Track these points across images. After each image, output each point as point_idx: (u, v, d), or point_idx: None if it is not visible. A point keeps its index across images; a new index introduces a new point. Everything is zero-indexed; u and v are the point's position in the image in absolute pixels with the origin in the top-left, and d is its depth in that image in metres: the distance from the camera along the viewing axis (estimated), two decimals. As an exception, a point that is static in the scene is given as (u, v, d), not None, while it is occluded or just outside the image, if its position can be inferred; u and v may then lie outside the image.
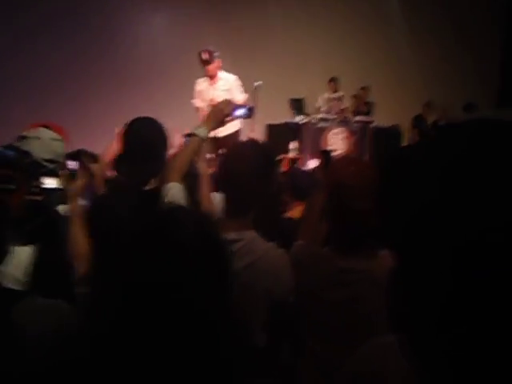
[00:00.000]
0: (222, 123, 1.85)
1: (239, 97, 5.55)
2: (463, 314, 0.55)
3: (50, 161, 2.04)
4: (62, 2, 8.72)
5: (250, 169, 1.57)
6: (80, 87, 8.82)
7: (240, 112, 1.89)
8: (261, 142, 1.87)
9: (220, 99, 5.53)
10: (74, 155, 2.09)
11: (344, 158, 2.24)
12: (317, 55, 9.23)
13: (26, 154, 1.96)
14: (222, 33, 9.06)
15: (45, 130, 2.15)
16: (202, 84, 5.77)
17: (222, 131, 5.20)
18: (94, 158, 2.14)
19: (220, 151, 5.46)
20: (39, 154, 2.01)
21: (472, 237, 0.54)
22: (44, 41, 8.74)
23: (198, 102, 5.76)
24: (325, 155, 2.00)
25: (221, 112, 1.83)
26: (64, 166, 2.02)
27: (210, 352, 0.96)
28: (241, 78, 6.14)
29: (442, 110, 8.83)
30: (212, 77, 5.65)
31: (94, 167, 2.12)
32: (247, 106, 1.93)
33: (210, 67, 5.54)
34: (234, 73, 5.87)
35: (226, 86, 5.67)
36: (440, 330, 0.57)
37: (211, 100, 5.50)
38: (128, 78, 9.00)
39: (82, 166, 2.05)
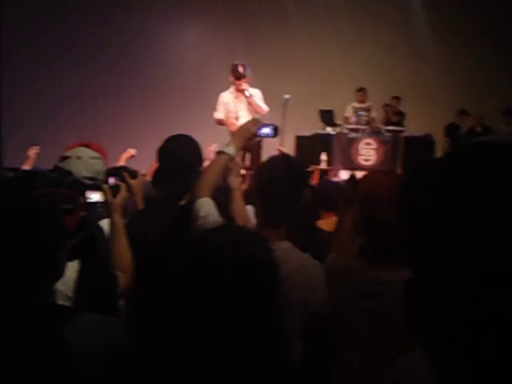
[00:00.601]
0: (249, 141, 1.90)
1: (261, 104, 5.71)
2: (483, 333, 0.55)
3: (90, 178, 2.11)
4: (92, 22, 9.01)
5: (281, 182, 1.63)
6: (115, 106, 9.08)
7: (266, 131, 1.95)
8: (291, 155, 1.91)
9: (245, 112, 5.64)
10: (115, 171, 2.17)
11: (375, 171, 2.25)
12: (345, 66, 9.23)
13: (68, 173, 2.05)
14: (249, 47, 9.18)
15: (84, 149, 2.24)
16: (227, 97, 5.87)
17: None
18: (134, 174, 2.21)
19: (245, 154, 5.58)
20: (80, 173, 2.08)
21: (497, 261, 0.53)
22: (78, 61, 9.04)
23: (219, 115, 5.85)
24: (351, 179, 2.04)
25: (248, 131, 1.89)
26: (106, 182, 2.10)
27: (261, 365, 0.99)
28: (269, 91, 6.20)
29: (478, 117, 8.67)
30: (241, 91, 5.73)
31: (133, 183, 2.18)
32: (272, 126, 1.97)
33: (243, 81, 5.62)
34: (263, 86, 5.94)
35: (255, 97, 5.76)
36: (459, 347, 0.57)
37: (236, 113, 5.59)
38: (160, 94, 9.21)
39: (123, 181, 2.13)
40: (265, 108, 5.77)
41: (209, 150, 4.02)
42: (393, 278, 1.49)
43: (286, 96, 6.40)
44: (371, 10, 9.35)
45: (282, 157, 1.82)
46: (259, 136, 1.95)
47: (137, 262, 1.98)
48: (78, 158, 2.11)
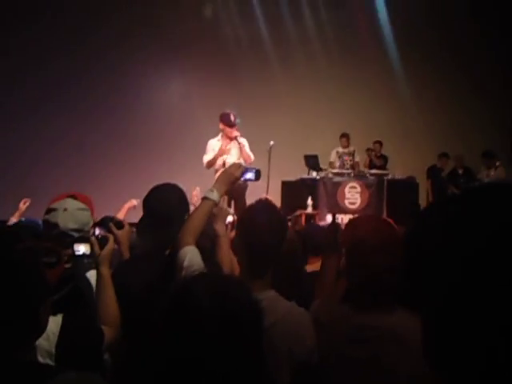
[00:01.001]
0: (232, 185, 1.92)
1: (251, 156, 5.88)
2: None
3: (76, 230, 2.11)
4: (79, 71, 9.18)
5: (264, 231, 1.64)
6: (102, 155, 9.13)
7: (249, 175, 1.97)
8: (271, 202, 1.92)
9: (233, 159, 5.72)
10: (101, 223, 2.18)
11: (361, 216, 2.28)
12: (327, 113, 9.47)
13: (55, 225, 2.05)
14: (234, 96, 9.40)
15: (71, 200, 2.24)
16: (216, 144, 5.99)
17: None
18: (119, 224, 2.22)
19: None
20: (66, 225, 2.08)
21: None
22: (63, 109, 9.14)
23: (208, 157, 5.96)
24: (332, 225, 2.07)
25: (231, 175, 1.91)
26: (92, 234, 2.10)
27: None
28: (255, 138, 6.31)
29: (458, 158, 8.87)
30: (230, 139, 5.87)
31: (119, 234, 2.18)
32: (254, 170, 2.00)
33: (234, 130, 5.80)
34: (248, 133, 6.05)
35: (237, 147, 5.92)
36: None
37: (224, 160, 5.73)
38: (148, 143, 9.31)
39: (109, 232, 2.13)
40: (252, 157, 5.93)
41: (192, 195, 4.04)
42: (378, 324, 1.50)
43: (271, 142, 6.53)
44: (350, 60, 9.70)
45: (263, 202, 1.83)
46: (245, 180, 1.98)
47: (122, 314, 1.96)
48: (65, 210, 2.12)
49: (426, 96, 9.70)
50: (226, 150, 5.87)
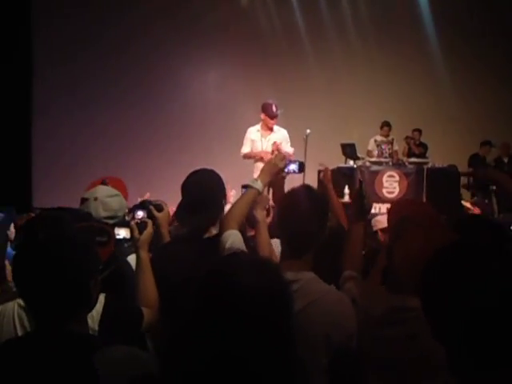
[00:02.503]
0: (275, 176, 1.94)
1: (288, 149, 5.79)
2: None
3: (109, 217, 2.16)
4: (122, 59, 9.35)
5: (304, 212, 1.66)
6: (142, 144, 9.32)
7: (292, 167, 2.00)
8: (312, 186, 1.93)
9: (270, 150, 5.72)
10: (141, 206, 2.23)
11: (403, 199, 2.27)
12: (364, 100, 9.33)
13: (89, 215, 2.11)
14: (271, 86, 9.38)
15: (101, 187, 2.30)
16: (254, 134, 5.94)
17: None
18: (159, 207, 2.26)
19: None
20: (98, 214, 2.14)
21: None
22: (108, 102, 9.37)
23: (246, 149, 5.95)
24: (360, 185, 2.06)
25: (275, 167, 1.95)
26: (133, 217, 2.16)
27: None
28: (291, 126, 6.29)
29: (504, 146, 8.60)
30: (270, 129, 5.84)
31: (159, 216, 2.23)
32: (298, 162, 2.01)
33: (275, 121, 5.76)
34: (285, 122, 6.02)
35: (277, 139, 5.84)
36: None
37: (262, 151, 5.69)
38: (185, 133, 9.43)
39: (149, 215, 2.18)
40: (290, 152, 5.82)
41: (229, 195, 4.06)
42: (416, 305, 1.48)
43: (308, 131, 6.49)
44: (388, 46, 9.50)
45: (304, 187, 1.84)
46: (288, 172, 1.98)
47: (163, 297, 2.01)
48: (95, 199, 2.18)
49: (467, 82, 9.42)
50: (266, 156, 5.71)
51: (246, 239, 1.91)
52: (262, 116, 5.83)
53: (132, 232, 1.99)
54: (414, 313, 1.48)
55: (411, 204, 1.64)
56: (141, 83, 9.35)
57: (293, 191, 1.80)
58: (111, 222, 2.14)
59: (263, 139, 5.89)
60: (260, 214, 2.16)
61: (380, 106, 9.04)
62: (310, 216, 1.65)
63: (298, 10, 9.81)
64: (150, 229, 2.02)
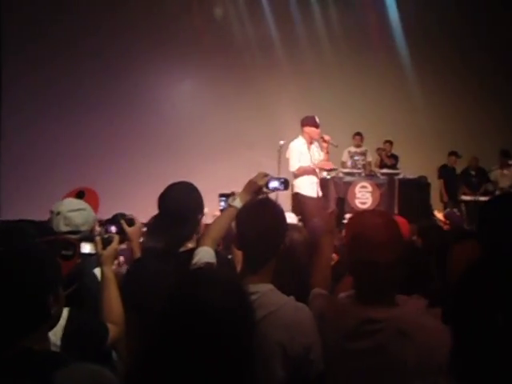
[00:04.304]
0: (256, 195, 1.92)
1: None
2: None
3: (71, 232, 2.10)
4: (94, 70, 9.25)
5: (263, 226, 1.66)
6: (113, 156, 9.20)
7: (274, 184, 1.96)
8: (269, 199, 1.92)
9: (317, 161, 5.97)
10: (112, 219, 2.19)
11: (366, 211, 2.27)
12: (337, 112, 9.45)
13: (48, 230, 2.05)
14: (244, 96, 9.43)
15: (67, 201, 2.24)
16: (302, 147, 6.03)
17: (319, 191, 6.01)
18: (131, 221, 2.23)
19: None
20: (59, 229, 2.09)
21: None
22: (77, 111, 9.24)
23: (298, 164, 5.98)
24: (339, 202, 2.05)
25: (255, 184, 1.92)
26: (106, 231, 2.11)
27: None
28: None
29: (472, 159, 8.84)
30: (326, 141, 6.09)
31: (130, 231, 2.20)
32: (281, 179, 1.98)
33: (319, 130, 5.98)
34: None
35: (316, 149, 6.09)
36: None
37: (313, 162, 5.97)
38: (155, 143, 9.37)
39: (119, 230, 2.13)
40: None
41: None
42: (383, 317, 1.50)
43: (281, 142, 6.52)
44: (361, 59, 9.67)
45: (263, 201, 1.83)
46: (271, 190, 1.95)
47: (135, 312, 1.97)
48: (58, 213, 2.12)
49: (437, 96, 9.65)
50: (320, 165, 6.05)
51: (223, 256, 1.89)
52: (306, 129, 6.01)
53: (96, 247, 1.96)
54: (380, 324, 1.49)
55: (368, 218, 1.64)
56: (113, 94, 9.27)
57: (252, 205, 1.80)
58: (74, 236, 2.08)
59: (309, 150, 6.03)
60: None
61: (352, 117, 9.17)
62: (269, 229, 1.65)
63: (271, 22, 9.91)
64: (114, 244, 1.99)
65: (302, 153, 5.97)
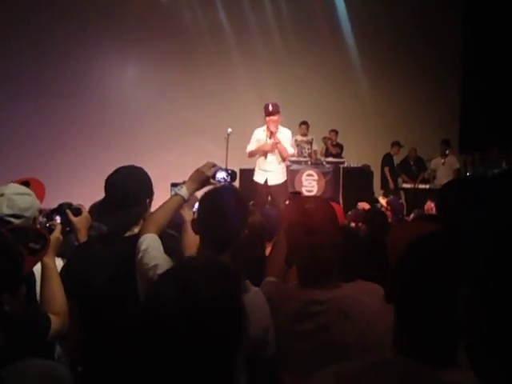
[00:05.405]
0: (202, 185, 1.92)
1: (289, 148, 6.07)
2: None
3: (13, 215, 2.02)
4: (34, 56, 8.87)
5: (226, 211, 1.67)
6: (55, 138, 8.89)
7: (222, 175, 1.94)
8: (233, 187, 1.95)
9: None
10: (58, 209, 2.14)
11: (301, 198, 2.35)
12: (285, 101, 9.51)
13: None
14: (192, 83, 9.33)
15: (13, 185, 2.16)
16: (260, 133, 6.09)
17: (273, 180, 6.01)
18: (77, 211, 2.18)
19: (269, 198, 6.02)
20: (1, 211, 2.01)
21: None
22: (20, 96, 8.84)
23: (251, 147, 6.08)
24: (294, 196, 2.10)
25: (202, 174, 1.91)
26: (50, 220, 2.06)
27: None
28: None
29: (411, 150, 9.21)
30: (273, 132, 5.98)
31: (76, 221, 2.16)
32: (229, 171, 1.98)
33: (276, 117, 5.92)
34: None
35: (281, 138, 6.00)
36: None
37: (265, 145, 5.95)
38: (102, 131, 9.12)
39: (65, 220, 2.09)
40: (290, 151, 6.07)
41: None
42: (325, 298, 1.57)
43: (229, 130, 6.53)
44: (308, 48, 9.79)
45: (224, 188, 1.85)
46: (217, 180, 1.94)
47: (79, 299, 1.94)
48: (2, 195, 2.04)
49: (382, 86, 9.93)
50: (272, 149, 5.98)
51: (171, 249, 1.88)
52: (266, 118, 5.99)
53: None
54: (323, 306, 1.57)
55: (300, 205, 1.71)
56: (57, 81, 8.94)
57: (215, 190, 1.81)
58: (16, 221, 2.00)
59: (268, 139, 6.01)
60: (187, 212, 2.17)
61: (299, 106, 9.28)
62: (231, 214, 1.66)
63: (220, 8, 9.82)
64: (56, 233, 1.94)
65: (259, 140, 6.06)
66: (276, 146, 5.98)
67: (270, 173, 6.11)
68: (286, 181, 6.25)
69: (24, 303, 1.23)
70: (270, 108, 5.94)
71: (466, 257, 0.68)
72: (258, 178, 6.18)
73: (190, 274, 1.02)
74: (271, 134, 5.94)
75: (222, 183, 1.93)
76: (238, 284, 1.07)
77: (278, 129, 5.99)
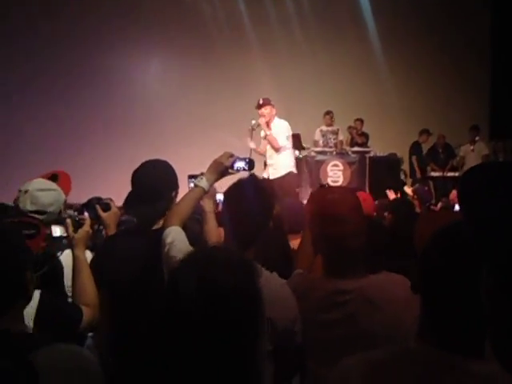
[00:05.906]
0: (221, 175, 1.92)
1: (282, 141, 5.96)
2: None
3: (37, 212, 2.06)
4: (59, 53, 9.02)
5: (251, 204, 1.67)
6: (82, 135, 9.05)
7: (240, 164, 1.93)
8: (259, 178, 1.94)
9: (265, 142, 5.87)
10: (87, 204, 2.17)
11: (325, 188, 2.33)
12: (308, 91, 9.47)
13: (12, 208, 2.00)
14: (214, 77, 9.34)
15: (37, 180, 2.20)
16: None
17: (273, 174, 5.91)
18: (107, 206, 2.20)
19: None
20: (25, 207, 2.06)
21: None
22: (46, 92, 9.01)
23: (251, 144, 6.07)
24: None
25: (221, 165, 1.91)
26: (79, 214, 2.09)
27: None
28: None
29: (440, 137, 9.02)
30: (265, 124, 6.00)
31: (105, 216, 2.18)
32: (247, 159, 1.97)
33: (265, 109, 5.94)
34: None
35: (274, 130, 6.00)
36: None
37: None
38: (125, 127, 9.23)
39: (94, 215, 2.11)
40: (280, 143, 5.95)
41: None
42: (351, 287, 1.56)
43: (253, 122, 6.52)
44: (331, 38, 9.68)
45: (251, 179, 1.83)
46: (236, 170, 1.93)
47: (109, 290, 1.97)
48: (26, 191, 2.09)
49: (406, 73, 9.75)
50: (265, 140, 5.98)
51: (195, 235, 1.89)
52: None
53: (67, 230, 1.94)
54: (349, 295, 1.55)
55: (324, 195, 1.69)
56: (83, 77, 9.08)
57: (239, 182, 1.81)
58: (40, 217, 2.04)
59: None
60: (207, 203, 2.17)
61: (323, 96, 9.20)
62: (256, 208, 1.66)
63: (241, 2, 9.78)
64: (86, 227, 1.97)
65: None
66: (265, 138, 5.96)
67: (271, 167, 6.08)
68: (289, 172, 6.03)
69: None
70: (261, 102, 6.01)
71: (489, 246, 0.65)
72: (266, 172, 6.21)
73: (207, 262, 1.03)
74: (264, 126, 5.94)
75: (241, 172, 1.93)
76: (253, 273, 1.07)
77: (268, 120, 5.96)
